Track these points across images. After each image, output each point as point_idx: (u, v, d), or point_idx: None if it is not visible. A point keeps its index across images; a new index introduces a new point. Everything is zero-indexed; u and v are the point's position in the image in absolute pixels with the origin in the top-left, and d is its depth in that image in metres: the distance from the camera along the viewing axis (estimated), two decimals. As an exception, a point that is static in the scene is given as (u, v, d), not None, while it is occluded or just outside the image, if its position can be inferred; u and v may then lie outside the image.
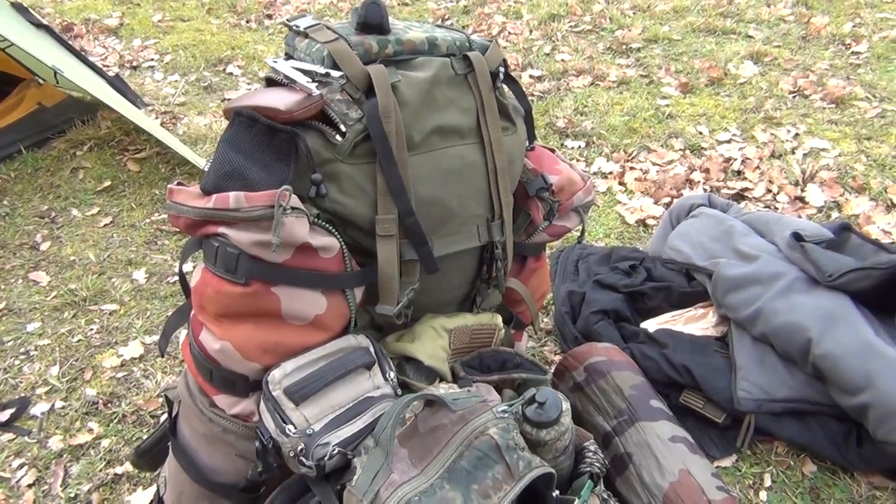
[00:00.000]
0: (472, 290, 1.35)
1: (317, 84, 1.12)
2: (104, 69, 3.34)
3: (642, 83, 3.20)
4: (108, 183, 2.71)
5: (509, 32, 3.84)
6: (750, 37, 3.59)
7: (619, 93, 3.14)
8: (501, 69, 1.28)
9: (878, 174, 2.44)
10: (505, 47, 3.68)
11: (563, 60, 3.47)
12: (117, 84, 3.08)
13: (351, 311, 1.16)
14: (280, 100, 1.10)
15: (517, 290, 1.39)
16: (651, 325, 1.81)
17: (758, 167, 2.53)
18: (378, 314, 1.18)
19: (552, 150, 1.49)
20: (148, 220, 2.50)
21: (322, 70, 1.13)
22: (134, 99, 3.18)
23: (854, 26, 3.57)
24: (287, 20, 1.24)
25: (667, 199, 2.42)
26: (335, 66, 1.14)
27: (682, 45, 3.55)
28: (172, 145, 2.65)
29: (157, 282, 2.21)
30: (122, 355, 1.92)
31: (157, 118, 3.18)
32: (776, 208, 2.36)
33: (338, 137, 1.12)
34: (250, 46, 3.92)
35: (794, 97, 3.00)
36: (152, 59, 3.87)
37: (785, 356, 1.56)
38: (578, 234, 1.51)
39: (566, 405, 1.12)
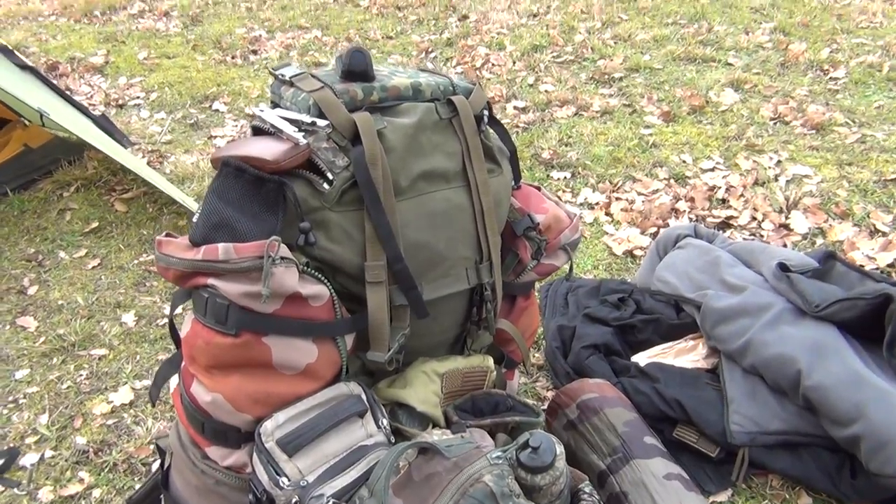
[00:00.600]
0: (462, 331, 1.35)
1: (303, 133, 1.13)
2: (90, 108, 3.35)
3: (625, 112, 3.24)
4: (95, 224, 2.71)
5: (493, 64, 3.89)
6: (730, 64, 3.65)
7: (602, 122, 3.17)
8: (485, 112, 1.30)
9: (861, 200, 2.47)
10: (489, 79, 3.73)
11: (546, 91, 3.50)
12: (103, 123, 3.09)
13: (342, 359, 1.16)
14: (267, 150, 1.11)
15: (507, 330, 1.40)
16: (641, 358, 1.81)
17: (742, 195, 2.56)
18: (369, 361, 1.18)
19: (538, 188, 1.50)
20: (136, 262, 2.49)
21: (308, 119, 1.14)
22: (120, 138, 3.18)
23: (831, 52, 3.63)
24: (272, 69, 1.25)
25: (653, 230, 2.44)
26: (321, 115, 1.15)
27: (664, 74, 3.60)
28: (160, 185, 2.65)
29: (147, 324, 2.20)
30: (112, 401, 1.90)
31: (143, 157, 3.18)
32: (761, 236, 2.38)
33: (325, 185, 1.13)
34: (236, 82, 3.94)
35: (776, 124, 3.04)
36: (138, 97, 3.88)
37: (775, 388, 1.56)
38: (567, 270, 1.52)
39: (560, 449, 1.12)
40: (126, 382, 1.97)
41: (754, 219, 2.46)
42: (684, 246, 2.04)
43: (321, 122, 1.13)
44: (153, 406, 1.51)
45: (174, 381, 1.75)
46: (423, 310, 1.20)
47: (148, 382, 1.98)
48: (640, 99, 3.35)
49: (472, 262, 1.28)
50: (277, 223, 1.10)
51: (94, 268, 2.48)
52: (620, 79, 3.59)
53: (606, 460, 1.42)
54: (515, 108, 3.36)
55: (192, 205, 2.60)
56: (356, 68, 1.19)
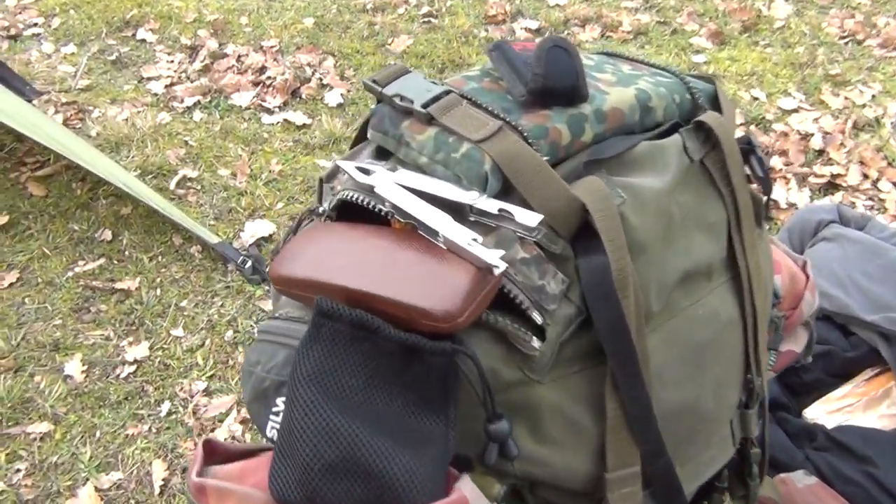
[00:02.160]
0: None
1: (487, 239, 0.54)
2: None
3: (664, 32, 2.66)
4: (4, 218, 2.00)
5: (481, -31, 3.19)
6: (767, -35, 3.07)
7: (639, 46, 2.59)
8: (752, 140, 0.73)
9: None
10: (481, -10, 3.05)
11: (558, 5, 2.87)
12: (-4, 70, 2.32)
13: None
14: (421, 284, 0.52)
15: (774, 497, 0.88)
16: (820, 414, 1.33)
17: (842, 144, 2.06)
18: None
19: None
20: (70, 273, 1.83)
21: (490, 205, 0.54)
22: (21, 87, 2.41)
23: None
24: (371, 81, 0.63)
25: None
26: (506, 189, 0.56)
27: (693, -20, 3.00)
28: (85, 161, 1.92)
29: (101, 376, 1.58)
30: (70, 514, 1.33)
31: (56, 113, 2.43)
32: (881, 200, 1.90)
33: (533, 341, 0.55)
34: (162, 2, 3.13)
35: (847, 43, 2.53)
36: (36, 25, 3.04)
37: None
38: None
39: None
40: (87, 478, 1.39)
41: (866, 176, 1.98)
42: (833, 238, 1.54)
43: (526, 218, 0.53)
44: None
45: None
46: (692, 525, 0.66)
47: (120, 476, 1.40)
48: (675, 14, 2.75)
49: (735, 408, 0.74)
50: (449, 432, 0.53)
51: (11, 285, 1.82)
52: (643, -13, 2.98)
53: None
54: (526, 29, 2.73)
55: (138, 187, 1.92)
56: (558, 83, 0.59)
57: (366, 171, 0.59)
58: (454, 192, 0.56)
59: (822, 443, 1.26)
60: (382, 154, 0.63)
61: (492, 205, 0.54)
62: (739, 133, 0.79)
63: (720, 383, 0.68)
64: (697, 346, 0.65)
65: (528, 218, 0.53)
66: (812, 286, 0.94)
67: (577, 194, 0.56)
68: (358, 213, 0.59)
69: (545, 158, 0.57)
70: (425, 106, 0.59)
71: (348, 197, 0.59)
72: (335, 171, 0.66)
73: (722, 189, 0.68)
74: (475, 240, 0.53)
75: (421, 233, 0.55)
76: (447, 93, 0.60)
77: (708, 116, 0.68)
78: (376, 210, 0.58)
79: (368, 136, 0.64)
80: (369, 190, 0.58)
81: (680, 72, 0.72)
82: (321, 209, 0.64)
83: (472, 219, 0.55)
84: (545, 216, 0.55)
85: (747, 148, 0.71)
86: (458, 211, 0.56)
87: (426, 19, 2.82)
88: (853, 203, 1.90)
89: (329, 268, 0.55)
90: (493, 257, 0.51)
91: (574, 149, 0.60)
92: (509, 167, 0.55)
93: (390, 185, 0.57)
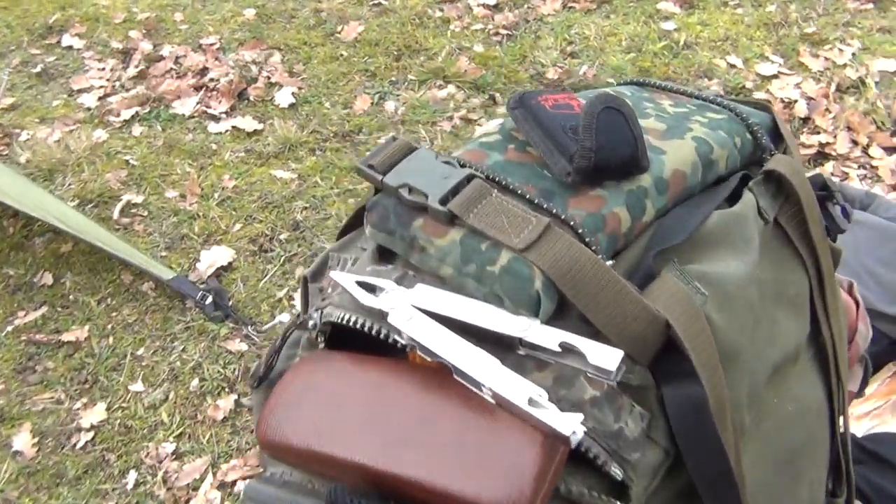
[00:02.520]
0: None
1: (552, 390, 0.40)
2: None
3: (629, 0, 2.51)
4: (-70, 268, 1.80)
5: (428, -57, 3.00)
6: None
7: (605, 17, 2.44)
8: (828, 183, 0.60)
9: (979, 101, 1.93)
10: (429, -35, 2.86)
11: (514, -24, 2.70)
12: None
13: None
14: (470, 463, 0.38)
15: None
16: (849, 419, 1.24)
17: (827, 109, 1.96)
18: None
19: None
20: (10, 328, 1.65)
21: (549, 340, 0.40)
22: (-63, 113, 2.19)
23: None
24: (366, 164, 0.47)
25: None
26: (562, 308, 0.42)
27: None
28: (14, 199, 1.74)
29: (55, 448, 1.42)
30: None
31: (-21, 139, 2.21)
32: (874, 168, 1.81)
33: (614, 505, 0.42)
34: (87, 2, 2.89)
35: (820, -2, 2.41)
36: (-52, 38, 2.79)
37: None
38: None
39: None
40: (49, 572, 1.23)
41: (855, 143, 1.88)
42: (841, 223, 1.44)
43: (601, 356, 0.39)
44: None
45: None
46: None
47: (86, 566, 1.25)
48: (638, -22, 2.61)
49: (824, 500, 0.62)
50: None
51: (-55, 346, 1.63)
52: (599, -50, 2.82)
53: None
54: (484, 6, 2.56)
55: (77, 221, 1.73)
56: (613, 157, 0.45)
57: (370, 288, 0.45)
58: (496, 319, 0.41)
59: (855, 455, 1.15)
60: (386, 253, 0.48)
61: (550, 337, 0.40)
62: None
63: (814, 487, 0.56)
64: (790, 452, 0.53)
65: (605, 358, 0.39)
66: (863, 315, 0.82)
67: (660, 314, 0.41)
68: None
69: (609, 263, 0.43)
70: (444, 201, 0.44)
71: (351, 322, 0.44)
72: (324, 267, 0.51)
73: (801, 250, 0.55)
74: (540, 395, 0.38)
75: (457, 378, 0.41)
76: (469, 178, 0.45)
77: (778, 162, 0.54)
78: (390, 341, 0.43)
79: (367, 233, 0.48)
80: (380, 317, 0.43)
81: (729, 102, 0.58)
82: (311, 322, 0.49)
83: (521, 352, 0.41)
84: (624, 341, 0.41)
85: (824, 195, 0.58)
86: (503, 342, 0.41)
87: (376, 2, 2.63)
88: (846, 174, 1.80)
89: (337, 433, 0.41)
90: (570, 424, 0.37)
91: (634, 233, 0.46)
92: (566, 281, 0.41)
93: (409, 313, 0.43)
